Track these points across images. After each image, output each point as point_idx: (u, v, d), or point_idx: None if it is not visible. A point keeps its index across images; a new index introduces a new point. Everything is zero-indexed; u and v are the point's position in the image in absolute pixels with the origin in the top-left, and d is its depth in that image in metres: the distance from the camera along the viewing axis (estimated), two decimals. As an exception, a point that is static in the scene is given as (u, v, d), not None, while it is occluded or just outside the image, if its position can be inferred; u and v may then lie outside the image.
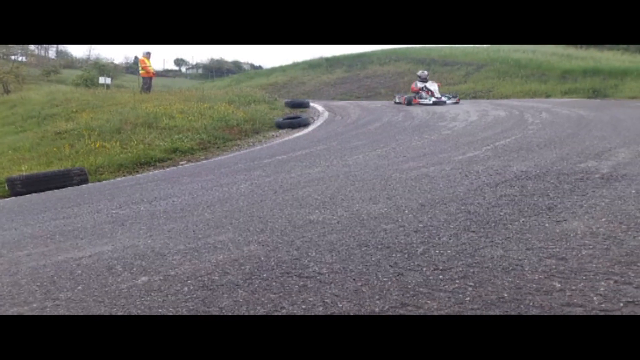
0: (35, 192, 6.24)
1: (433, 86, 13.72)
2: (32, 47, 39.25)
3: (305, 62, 26.59)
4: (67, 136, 10.70)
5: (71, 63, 42.52)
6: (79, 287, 2.30)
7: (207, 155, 8.65)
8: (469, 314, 1.76)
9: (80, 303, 2.11)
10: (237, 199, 4.19)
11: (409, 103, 13.11)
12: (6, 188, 6.48)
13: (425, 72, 14.51)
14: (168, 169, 7.67)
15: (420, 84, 13.94)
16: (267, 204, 3.84)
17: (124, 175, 7.46)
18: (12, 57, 34.22)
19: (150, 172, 7.46)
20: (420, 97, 13.37)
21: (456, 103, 12.88)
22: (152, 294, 2.17)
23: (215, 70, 40.59)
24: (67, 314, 2.01)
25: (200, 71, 43.75)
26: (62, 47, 46.77)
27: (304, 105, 13.63)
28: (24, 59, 37.48)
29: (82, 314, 1.99)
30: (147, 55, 16.22)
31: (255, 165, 6.27)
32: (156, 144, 9.23)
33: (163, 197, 4.62)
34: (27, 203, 5.25)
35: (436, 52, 22.32)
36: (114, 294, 2.20)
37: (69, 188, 6.38)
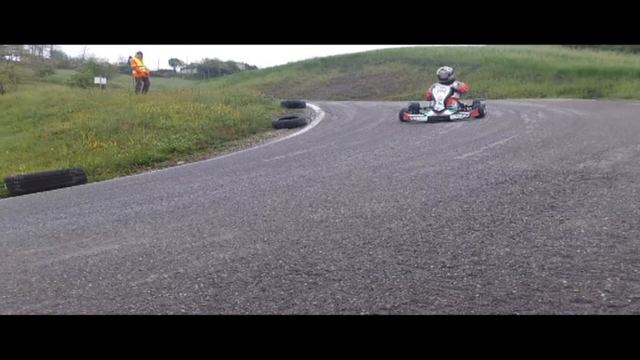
0: (34, 192, 6.22)
1: (441, 92, 9.77)
2: (26, 47, 38.93)
3: (300, 62, 26.61)
4: (64, 136, 10.67)
5: (66, 63, 42.17)
6: (89, 285, 2.32)
7: (205, 155, 8.65)
8: (479, 309, 1.79)
9: (91, 301, 2.12)
10: (238, 198, 4.21)
11: (401, 118, 9.82)
12: (5, 188, 6.46)
13: (448, 70, 10.25)
14: (166, 168, 7.66)
15: (438, 87, 9.97)
16: (269, 204, 3.86)
17: (122, 175, 7.45)
18: (7, 57, 33.96)
19: (149, 172, 7.45)
20: (416, 110, 9.91)
21: (479, 116, 9.10)
22: (163, 291, 2.18)
23: (209, 70, 40.48)
24: (79, 311, 2.02)
25: (194, 71, 43.59)
26: (56, 47, 46.48)
27: (300, 106, 13.65)
28: (17, 58, 37.18)
29: (94, 311, 2.01)
30: (139, 55, 16.11)
31: (254, 165, 6.28)
32: (153, 144, 9.22)
33: (165, 196, 4.63)
34: (27, 203, 5.23)
35: (431, 52, 22.39)
36: (124, 291, 2.21)
37: (68, 188, 6.36)
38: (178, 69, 46.50)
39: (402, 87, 19.02)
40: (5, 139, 12.05)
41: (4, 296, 2.26)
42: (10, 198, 5.93)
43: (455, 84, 10.01)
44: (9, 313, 2.05)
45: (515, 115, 9.28)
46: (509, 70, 17.70)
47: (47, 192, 6.12)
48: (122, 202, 4.54)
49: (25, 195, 6.08)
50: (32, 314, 2.02)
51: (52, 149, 9.48)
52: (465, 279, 2.08)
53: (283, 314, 1.89)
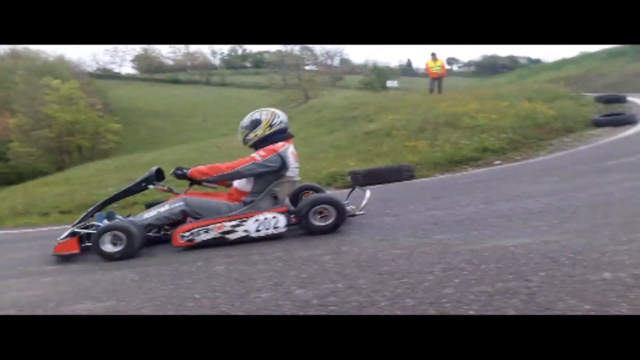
0: (371, 184, 6.97)
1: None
2: (320, 57, 44.71)
3: (604, 52, 23.33)
4: (375, 136, 11.72)
5: (352, 69, 47.04)
6: (543, 274, 2.34)
7: (522, 155, 8.28)
8: None
9: (554, 287, 2.12)
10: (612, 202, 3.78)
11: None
12: (348, 179, 7.44)
13: (247, 121, 4.07)
14: (485, 168, 7.60)
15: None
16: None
17: (442, 173, 7.68)
18: (307, 67, 39.83)
19: (472, 171, 7.52)
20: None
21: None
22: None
23: (489, 67, 39.39)
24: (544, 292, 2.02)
25: (472, 69, 43.13)
26: (345, 55, 52.06)
27: (620, 101, 11.87)
28: (314, 68, 43.22)
29: (578, 298, 1.97)
30: (433, 57, 16.67)
31: (600, 168, 5.64)
32: (463, 143, 9.25)
33: (522, 196, 4.47)
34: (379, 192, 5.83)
35: None
36: (586, 284, 2.15)
37: (401, 182, 6.92)
38: (455, 67, 46.79)
39: None
40: (325, 139, 14.04)
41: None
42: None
43: (255, 156, 3.93)
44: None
45: None
46: None
47: (383, 185, 6.75)
48: (480, 199, 4.57)
49: (366, 186, 6.87)
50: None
51: (370, 147, 10.50)
52: None
53: None
